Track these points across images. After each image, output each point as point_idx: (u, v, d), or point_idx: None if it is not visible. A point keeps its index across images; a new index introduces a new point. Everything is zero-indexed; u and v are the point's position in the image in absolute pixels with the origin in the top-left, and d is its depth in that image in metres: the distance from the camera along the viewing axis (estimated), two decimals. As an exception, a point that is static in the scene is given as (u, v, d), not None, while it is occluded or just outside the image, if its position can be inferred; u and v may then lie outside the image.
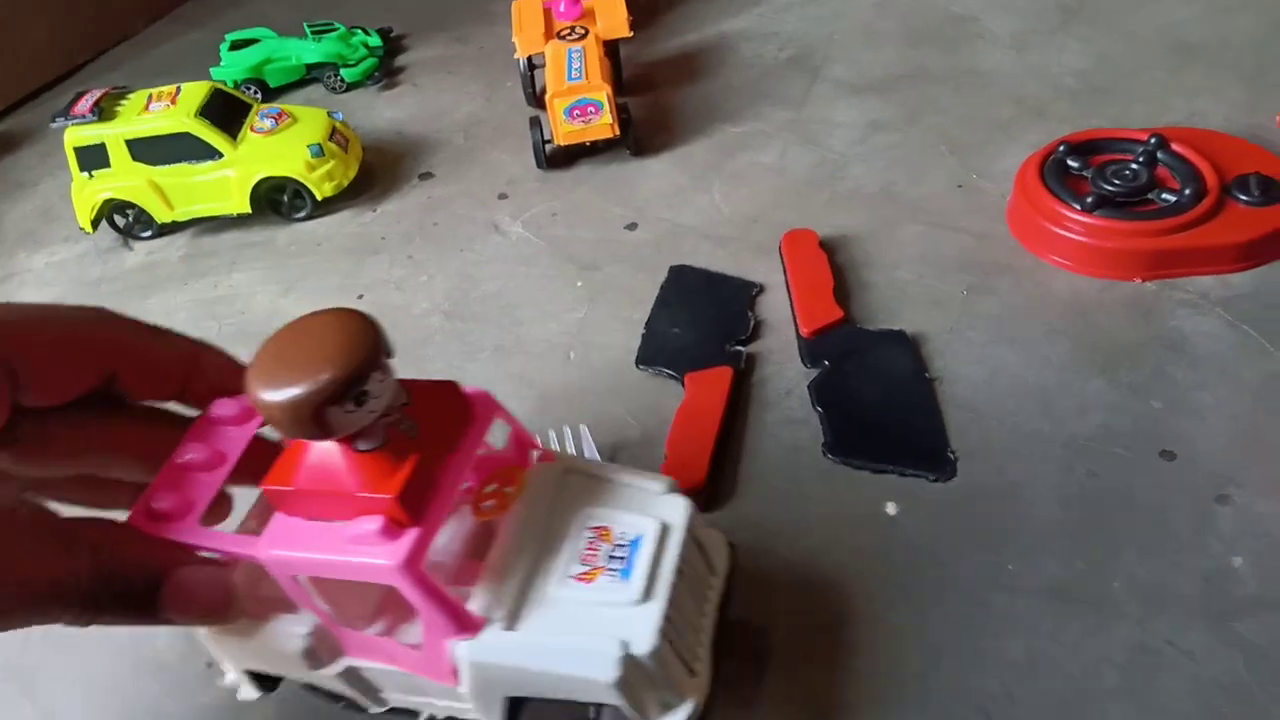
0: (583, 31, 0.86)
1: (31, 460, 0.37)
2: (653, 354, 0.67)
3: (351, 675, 0.41)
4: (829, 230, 0.74)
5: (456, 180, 0.87)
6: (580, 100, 0.80)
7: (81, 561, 0.33)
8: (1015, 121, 0.82)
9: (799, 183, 0.80)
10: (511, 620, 0.37)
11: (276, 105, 0.86)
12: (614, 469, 0.43)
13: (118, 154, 0.81)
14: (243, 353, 0.74)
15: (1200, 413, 0.58)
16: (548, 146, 0.85)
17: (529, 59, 0.89)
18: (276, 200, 0.84)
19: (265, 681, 0.44)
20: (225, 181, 0.82)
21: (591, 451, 0.60)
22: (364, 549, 0.34)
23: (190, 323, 0.77)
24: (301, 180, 0.81)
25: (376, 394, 0.33)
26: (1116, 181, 0.68)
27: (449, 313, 0.74)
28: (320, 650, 0.40)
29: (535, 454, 0.43)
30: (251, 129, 0.83)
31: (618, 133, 0.82)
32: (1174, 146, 0.70)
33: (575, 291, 0.74)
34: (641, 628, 0.37)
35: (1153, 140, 0.70)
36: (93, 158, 0.81)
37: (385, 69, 1.03)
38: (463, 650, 0.37)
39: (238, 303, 0.79)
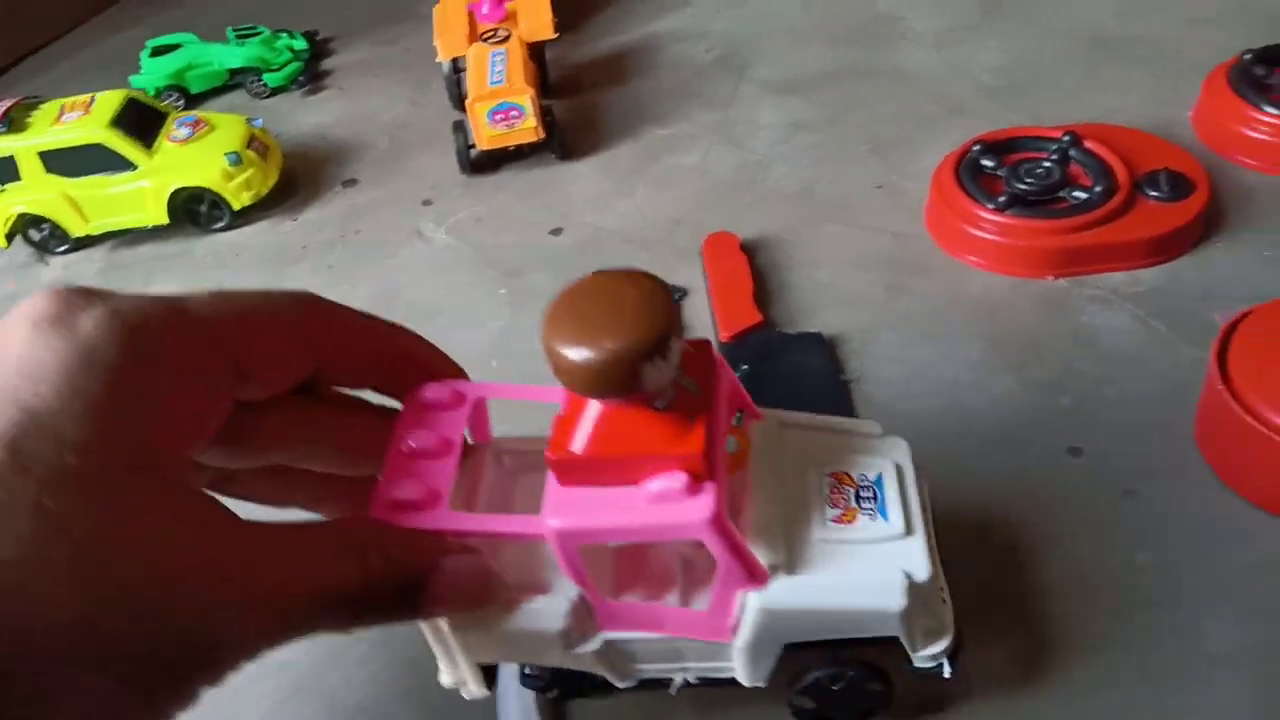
0: (505, 34, 0.85)
1: (240, 453, 0.34)
2: (573, 361, 0.67)
3: (604, 651, 0.40)
4: (751, 232, 0.74)
5: (380, 186, 0.86)
6: (502, 104, 0.80)
7: (350, 565, 0.30)
8: (935, 120, 0.83)
9: (722, 184, 0.80)
10: (791, 568, 0.38)
11: (193, 114, 0.84)
12: (824, 419, 0.44)
13: (29, 166, 0.79)
14: None
15: (1107, 407, 0.59)
16: (472, 151, 0.84)
17: (453, 62, 0.88)
18: (194, 211, 0.82)
19: (487, 675, 0.43)
20: (141, 193, 0.80)
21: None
22: (669, 507, 0.34)
23: (107, 337, 0.76)
24: (218, 190, 0.80)
25: (675, 349, 0.33)
26: (1029, 180, 0.69)
27: (370, 322, 0.73)
28: (577, 629, 0.39)
29: (743, 414, 0.43)
30: (167, 138, 0.82)
31: (542, 136, 0.82)
32: (1086, 144, 0.71)
33: (498, 299, 0.73)
34: (915, 558, 0.39)
35: (1066, 138, 0.71)
36: (3, 170, 0.79)
37: (310, 73, 1.01)
38: (753, 600, 0.38)
39: (156, 315, 0.77)
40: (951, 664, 0.41)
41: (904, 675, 0.42)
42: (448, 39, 0.86)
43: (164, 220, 0.82)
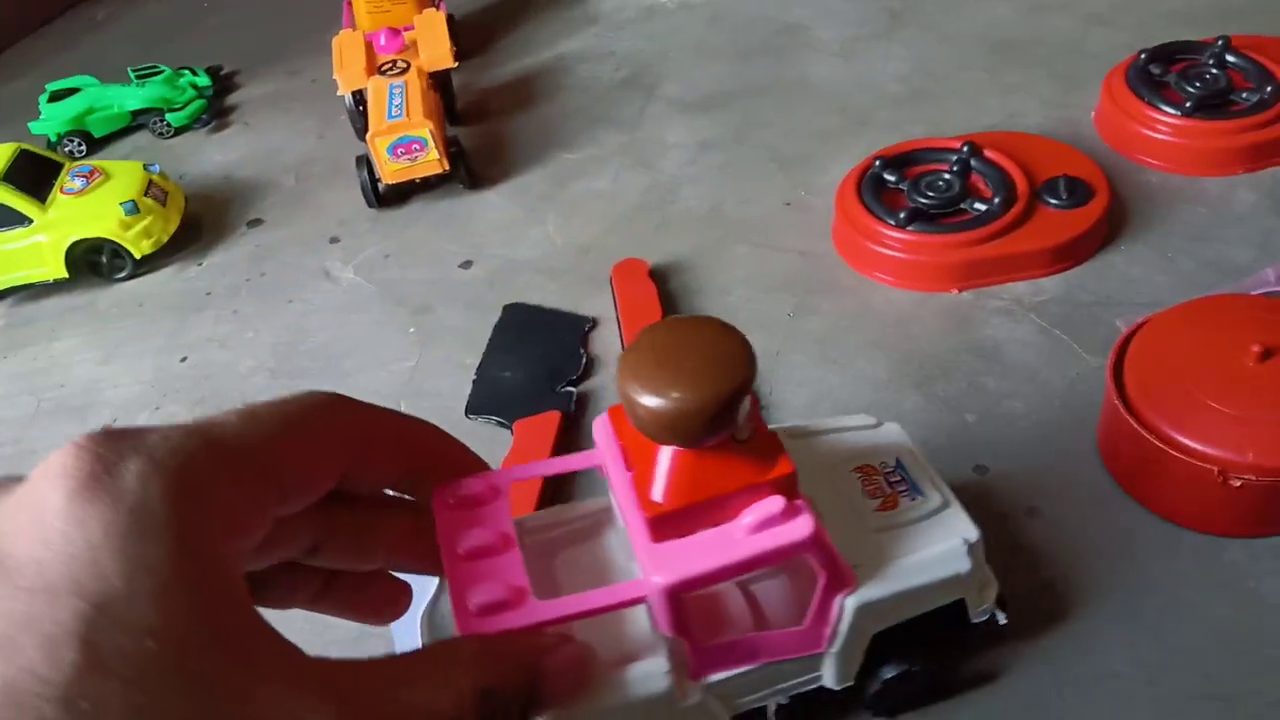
0: (404, 65, 0.84)
1: (257, 558, 0.32)
2: (483, 402, 0.66)
3: (705, 700, 0.40)
4: (660, 256, 0.74)
5: (286, 225, 0.85)
6: (402, 138, 0.79)
7: (465, 685, 0.28)
8: (841, 132, 0.83)
9: (631, 209, 0.80)
10: (866, 563, 0.40)
11: (88, 163, 0.82)
12: (819, 422, 0.48)
13: (-80, 225, 0.77)
14: (63, 430, 0.70)
15: (1011, 422, 0.59)
16: (379, 185, 0.83)
17: (355, 94, 0.87)
18: (95, 261, 0.80)
19: None
20: (38, 248, 0.78)
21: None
22: (772, 533, 0.35)
23: (8, 400, 0.74)
24: (117, 240, 0.78)
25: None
26: (930, 194, 0.69)
27: (275, 369, 0.72)
28: (679, 682, 0.39)
29: None
30: (61, 190, 0.80)
31: (446, 168, 0.81)
32: (986, 153, 0.71)
33: (407, 338, 0.72)
34: (961, 524, 0.43)
35: (965, 149, 0.71)
36: (-108, 231, 0.77)
37: (215, 109, 0.99)
38: (850, 603, 0.40)
39: (56, 374, 0.75)
40: (1002, 610, 0.45)
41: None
42: (347, 72, 0.85)
43: (63, 274, 0.80)
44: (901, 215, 0.68)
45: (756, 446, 0.36)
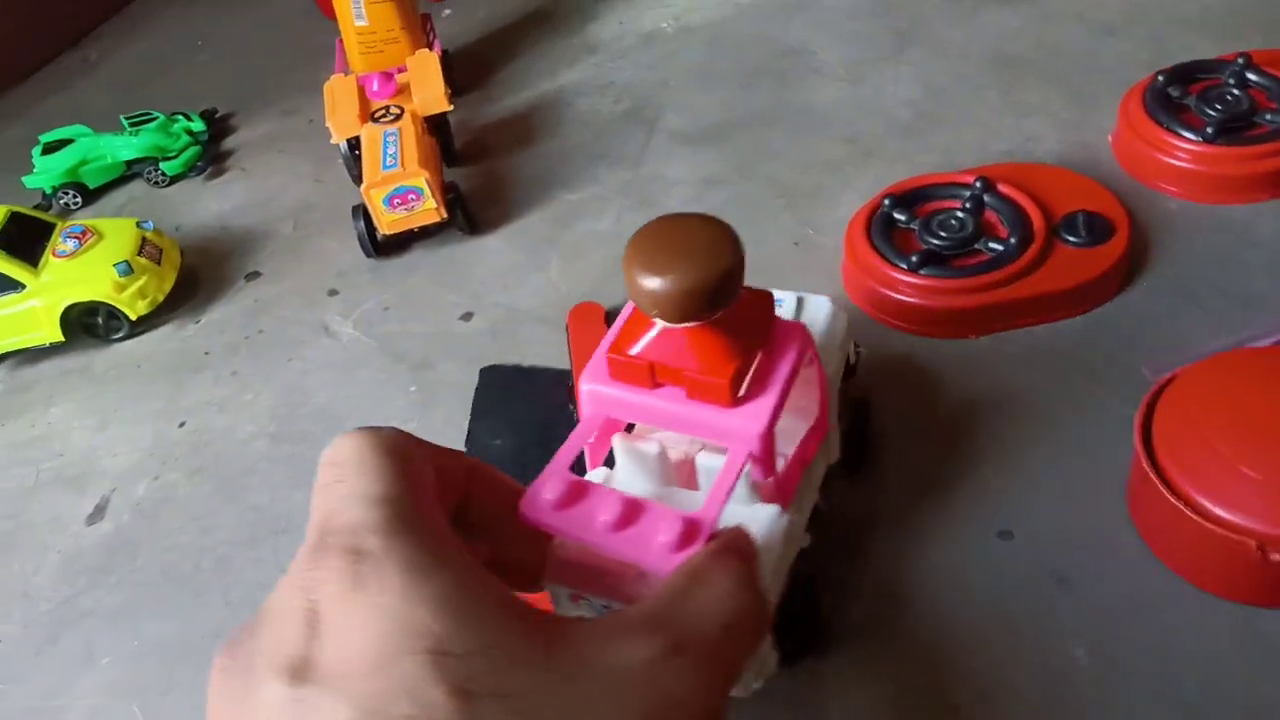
0: (398, 111, 0.82)
1: None
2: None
3: (795, 519, 0.45)
4: (665, 303, 0.71)
5: (284, 277, 0.83)
6: (398, 188, 0.77)
7: (731, 570, 0.31)
8: (848, 163, 0.80)
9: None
10: None
11: (80, 223, 0.81)
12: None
13: (-89, 294, 0.76)
14: (63, 502, 0.68)
15: (1034, 478, 0.57)
16: (377, 234, 0.81)
17: (349, 141, 0.85)
18: (91, 324, 0.79)
19: None
20: (32, 313, 0.77)
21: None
22: (789, 347, 0.41)
23: (5, 472, 0.73)
24: (111, 303, 0.77)
25: None
26: (943, 234, 0.67)
27: (275, 434, 0.70)
28: (784, 514, 0.43)
29: None
30: (54, 253, 0.78)
31: (444, 216, 0.79)
32: (1000, 188, 0.69)
33: (408, 397, 0.70)
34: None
35: (978, 184, 0.69)
36: (-115, 300, 0.76)
37: (210, 155, 0.98)
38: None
39: (55, 443, 0.74)
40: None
41: None
42: (339, 119, 0.83)
43: (59, 338, 0.78)
44: (913, 258, 0.65)
45: (745, 307, 0.39)
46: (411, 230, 0.80)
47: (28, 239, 0.79)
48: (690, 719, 0.27)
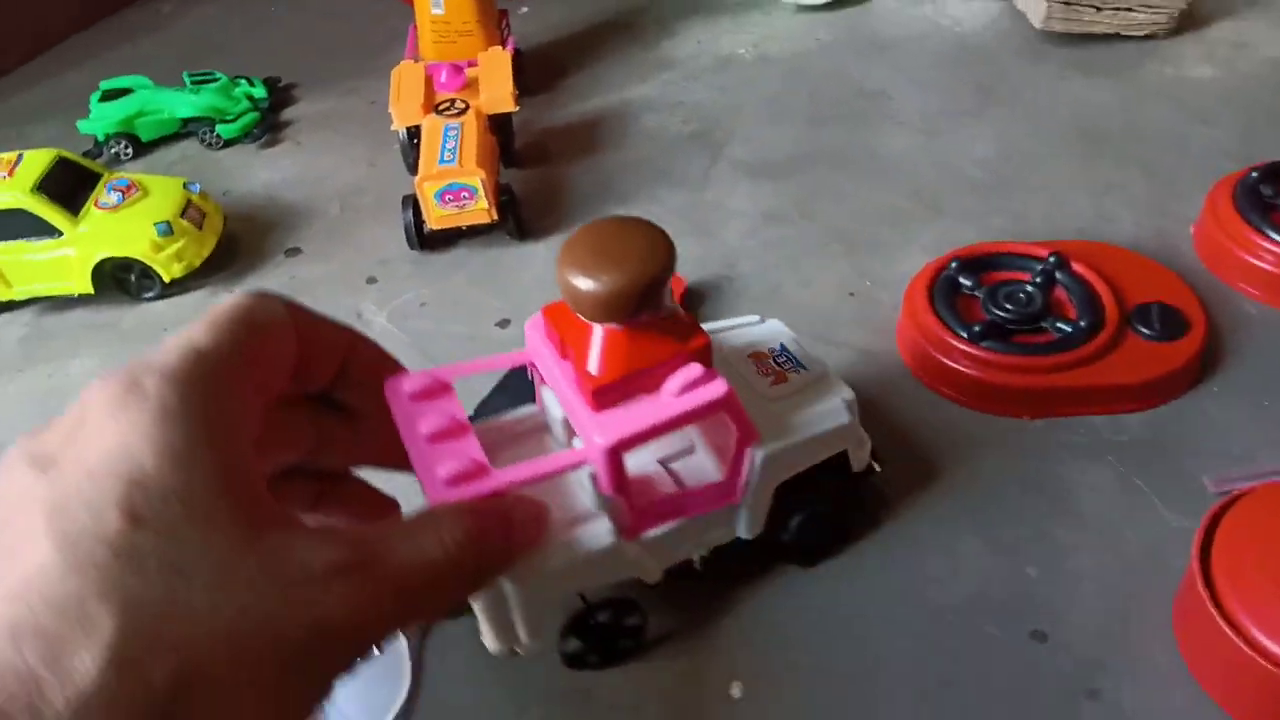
0: (463, 106, 0.80)
1: (272, 459, 0.38)
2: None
3: (640, 554, 0.47)
4: (710, 339, 0.69)
5: (325, 259, 0.81)
6: (452, 184, 0.75)
7: (449, 536, 0.33)
8: (914, 218, 0.78)
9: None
10: (766, 424, 0.47)
11: (127, 177, 0.79)
12: (713, 323, 0.55)
13: (-51, 227, 0.74)
14: None
15: (1078, 582, 0.54)
16: (424, 228, 0.79)
17: (408, 130, 0.83)
18: (124, 279, 0.77)
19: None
20: (65, 261, 0.75)
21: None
22: (695, 394, 0.42)
23: (18, 424, 0.71)
24: (147, 261, 0.75)
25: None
26: (1009, 306, 0.64)
27: (293, 422, 0.68)
28: (621, 541, 0.45)
29: None
30: (96, 204, 0.77)
31: (495, 218, 0.77)
32: (1074, 267, 0.66)
33: (434, 400, 0.68)
34: (839, 387, 0.51)
35: (1051, 259, 0.66)
36: (-78, 231, 0.74)
37: (268, 123, 0.96)
38: (758, 454, 0.47)
39: (70, 397, 0.72)
40: (877, 462, 0.55)
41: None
42: (403, 107, 0.81)
43: (89, 290, 0.76)
44: (976, 329, 0.62)
45: (676, 324, 0.42)
46: (460, 228, 0.78)
47: (72, 186, 0.77)
48: (329, 633, 0.29)
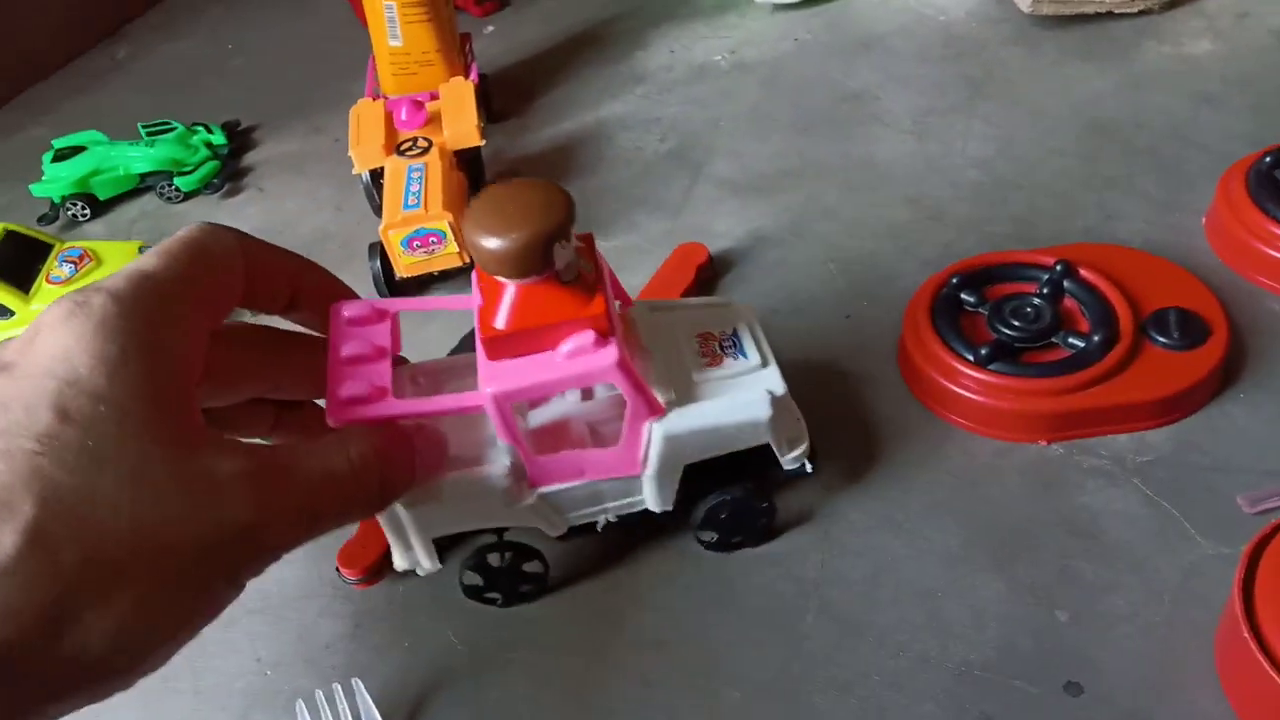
0: (425, 144, 0.76)
1: (220, 391, 0.41)
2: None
3: (539, 505, 0.49)
4: (701, 375, 0.65)
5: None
6: (419, 230, 0.71)
7: (355, 451, 0.38)
8: (911, 229, 0.73)
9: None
10: (681, 402, 0.48)
11: (79, 246, 0.75)
12: (683, 300, 0.59)
13: (-106, 312, 0.70)
14: None
15: (1112, 624, 0.49)
16: (394, 273, 0.75)
17: (372, 171, 0.79)
18: (83, 354, 0.73)
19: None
20: (19, 339, 0.71)
21: (369, 711, 0.51)
22: (583, 359, 0.43)
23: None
24: (104, 335, 0.71)
25: (572, 235, 0.43)
26: (1016, 323, 0.59)
27: (266, 497, 0.64)
28: (516, 487, 0.47)
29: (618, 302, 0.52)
30: (48, 278, 0.73)
31: (467, 261, 0.73)
32: (1083, 274, 0.62)
33: (413, 461, 0.64)
34: (773, 380, 0.50)
35: (1058, 267, 0.62)
36: None
37: (228, 171, 0.92)
38: (657, 429, 0.47)
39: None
40: (811, 462, 0.53)
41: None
42: (363, 150, 0.77)
43: (47, 367, 0.73)
44: (983, 351, 0.58)
45: (580, 289, 0.43)
46: (431, 273, 0.74)
47: (22, 261, 0.73)
48: (231, 530, 0.32)
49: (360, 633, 0.55)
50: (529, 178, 0.44)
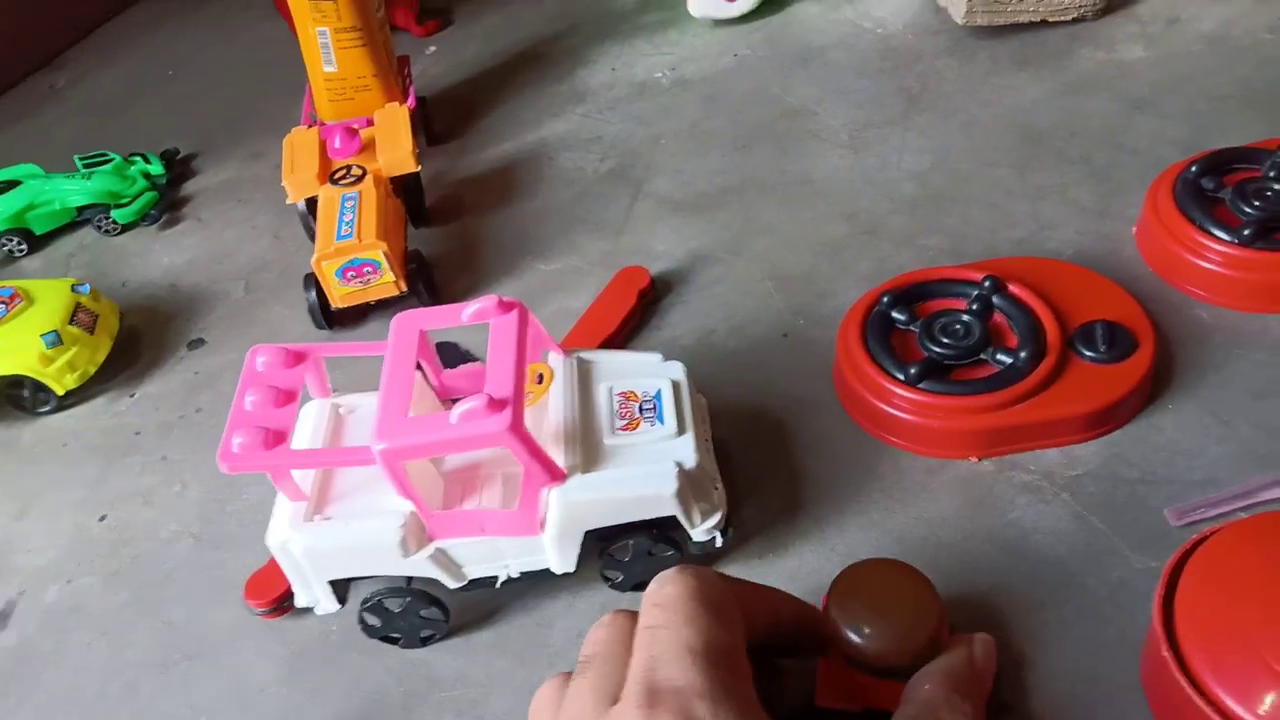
0: (359, 172, 0.75)
1: None
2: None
3: (437, 557, 0.49)
4: (638, 399, 0.64)
5: (230, 347, 0.77)
6: (353, 260, 0.70)
7: None
8: (847, 244, 0.73)
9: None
10: (585, 467, 0.48)
11: (9, 285, 0.74)
12: (615, 353, 0.57)
13: None
14: None
15: (1040, 644, 0.50)
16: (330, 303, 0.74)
17: (307, 201, 0.78)
18: (17, 396, 0.73)
19: (339, 594, 0.52)
20: (-48, 382, 0.71)
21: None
22: (475, 423, 0.44)
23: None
24: (36, 377, 0.70)
25: None
26: (946, 340, 0.60)
27: (199, 536, 0.64)
28: (411, 538, 0.48)
29: (548, 351, 0.54)
30: (-24, 319, 0.72)
31: (404, 289, 0.73)
32: (1011, 289, 0.62)
33: (351, 495, 0.64)
34: (685, 451, 0.50)
35: (986, 283, 0.62)
36: None
37: (167, 201, 0.91)
38: (555, 495, 0.48)
39: (-31, 529, 0.68)
40: (723, 535, 0.52)
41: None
42: (297, 179, 0.76)
43: (-20, 410, 0.72)
44: (913, 370, 0.58)
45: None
46: (368, 302, 0.74)
47: (-49, 301, 0.72)
48: None
49: (294, 675, 0.55)
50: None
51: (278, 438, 0.46)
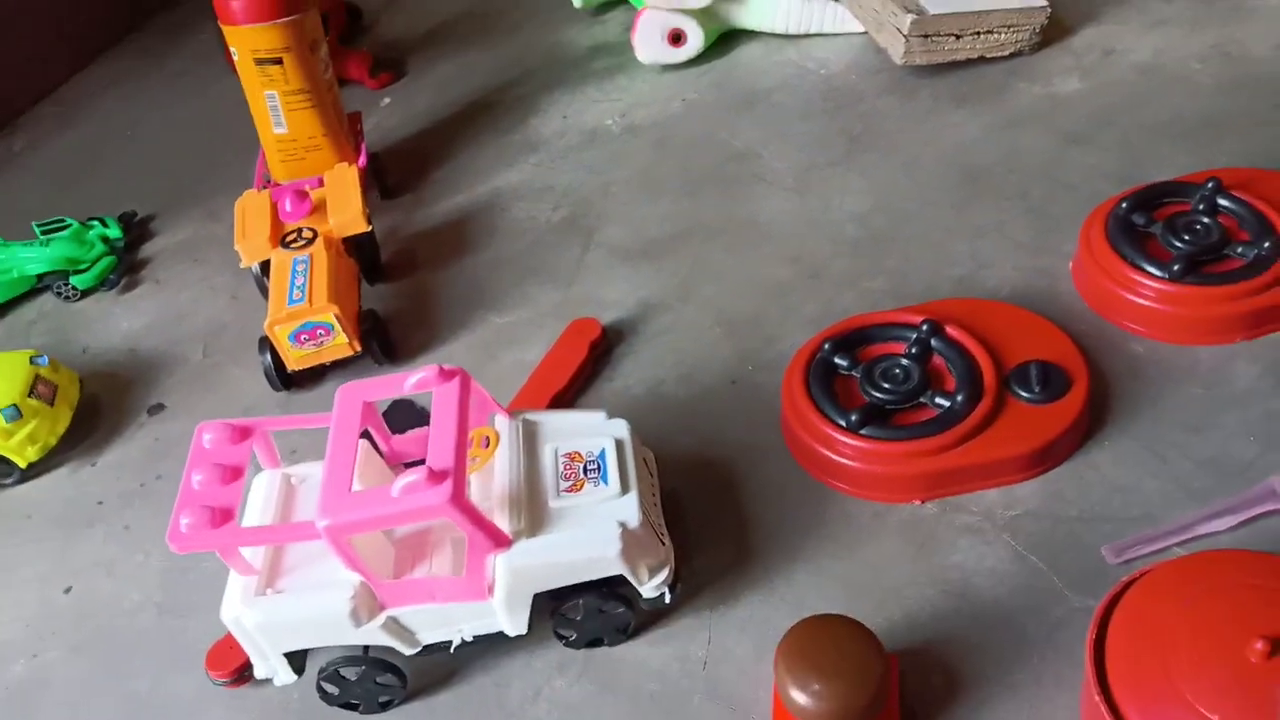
0: (310, 235, 0.76)
1: None
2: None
3: (390, 625, 0.50)
4: (591, 452, 0.66)
5: (189, 411, 0.77)
6: (306, 324, 0.71)
7: None
8: (793, 289, 0.75)
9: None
10: (530, 532, 0.49)
11: (-34, 360, 0.75)
12: (560, 413, 0.59)
13: None
14: None
15: (984, 685, 0.51)
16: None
17: (261, 264, 0.79)
18: (-22, 469, 0.73)
19: (296, 664, 0.52)
20: (-90, 459, 0.71)
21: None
22: (416, 496, 0.45)
23: None
24: (-4, 452, 0.71)
25: None
26: (886, 385, 0.61)
27: (161, 605, 0.64)
28: (362, 609, 0.48)
29: (495, 414, 0.55)
30: (-66, 395, 0.72)
31: (358, 349, 0.74)
32: (948, 331, 0.63)
33: (310, 559, 0.65)
34: (628, 511, 0.50)
35: (924, 327, 0.63)
36: None
37: (126, 265, 0.92)
38: (501, 561, 0.49)
39: (-70, 607, 0.68)
40: (671, 591, 0.53)
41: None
42: (249, 244, 0.77)
43: (-60, 486, 0.72)
44: (854, 417, 0.60)
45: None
46: (324, 363, 0.75)
47: (-92, 378, 0.73)
48: None
49: (255, 746, 0.56)
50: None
51: (225, 515, 0.47)
